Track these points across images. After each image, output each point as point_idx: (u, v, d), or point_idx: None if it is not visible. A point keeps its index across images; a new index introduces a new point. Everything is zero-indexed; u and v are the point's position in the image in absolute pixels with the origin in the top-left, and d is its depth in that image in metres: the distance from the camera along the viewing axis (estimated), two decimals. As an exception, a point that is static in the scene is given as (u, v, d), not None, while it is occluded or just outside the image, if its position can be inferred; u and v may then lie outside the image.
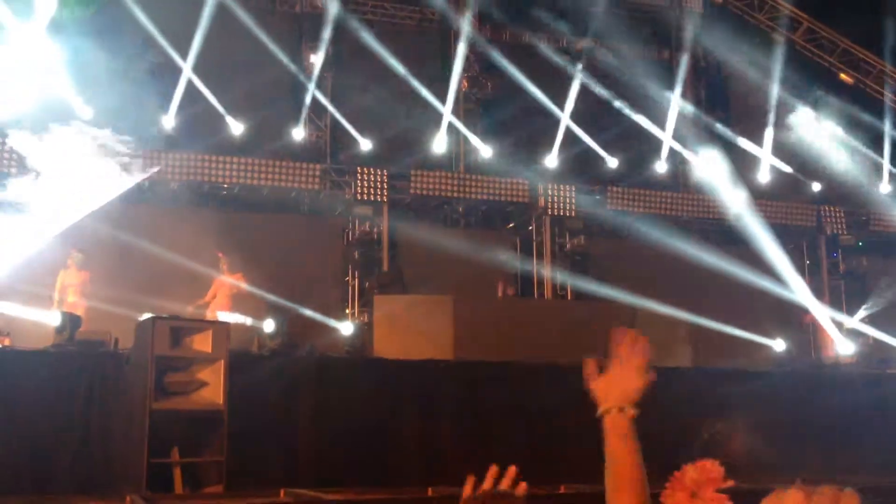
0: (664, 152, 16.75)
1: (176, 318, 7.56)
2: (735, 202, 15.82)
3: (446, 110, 15.40)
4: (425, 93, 15.15)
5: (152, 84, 13.64)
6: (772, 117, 17.19)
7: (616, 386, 2.03)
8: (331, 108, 14.89)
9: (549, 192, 15.45)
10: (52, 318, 9.92)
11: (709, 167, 16.58)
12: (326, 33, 15.22)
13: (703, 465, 2.23)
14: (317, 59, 15.22)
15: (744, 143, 17.34)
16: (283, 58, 14.66)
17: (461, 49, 16.05)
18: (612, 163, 16.24)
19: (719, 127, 17.35)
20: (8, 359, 7.90)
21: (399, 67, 14.83)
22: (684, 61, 17.46)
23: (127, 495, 6.15)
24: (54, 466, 7.48)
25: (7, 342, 9.52)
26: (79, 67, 12.74)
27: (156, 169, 13.23)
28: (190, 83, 13.97)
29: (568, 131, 16.10)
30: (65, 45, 12.68)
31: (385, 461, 8.04)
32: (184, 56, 13.79)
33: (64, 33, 12.66)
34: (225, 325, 7.49)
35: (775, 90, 17.09)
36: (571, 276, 14.86)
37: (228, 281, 12.10)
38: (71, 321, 9.30)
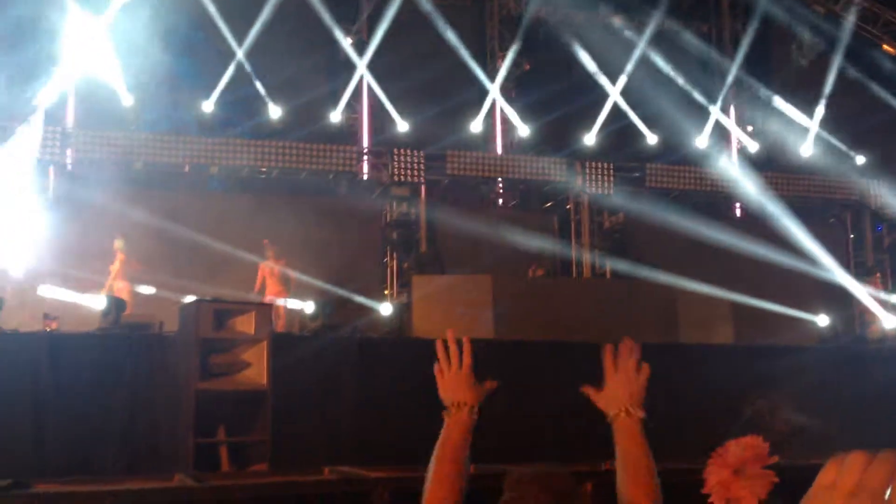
0: (707, 128, 16.50)
1: (219, 300, 7.65)
2: (756, 188, 15.59)
3: (494, 87, 15.30)
4: (477, 70, 15.07)
5: (193, 67, 13.73)
6: (826, 89, 16.85)
7: (618, 392, 2.09)
8: (376, 88, 14.84)
9: (588, 171, 15.33)
10: (97, 302, 10.10)
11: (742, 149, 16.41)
12: (364, 13, 15.25)
13: (746, 441, 2.23)
14: (355, 41, 15.23)
15: (790, 114, 17.04)
16: (322, 40, 14.69)
17: (497, 27, 15.98)
18: (652, 139, 16.05)
19: (765, 98, 17.10)
20: (56, 342, 8.06)
21: (451, 41, 14.72)
22: (731, 33, 17.24)
23: (174, 474, 6.26)
24: (103, 447, 7.65)
25: (55, 325, 9.72)
26: (126, 49, 12.84)
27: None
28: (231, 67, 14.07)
29: (605, 108, 15.97)
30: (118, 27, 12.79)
31: (426, 440, 8.09)
32: (229, 40, 13.84)
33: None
34: (267, 306, 7.58)
35: (829, 61, 16.75)
36: (610, 255, 14.78)
37: (273, 267, 12.21)
38: (116, 305, 9.47)
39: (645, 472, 2.02)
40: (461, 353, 2.22)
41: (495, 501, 2.08)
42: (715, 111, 16.44)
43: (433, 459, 2.15)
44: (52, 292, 11.65)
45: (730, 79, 16.84)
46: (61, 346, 7.97)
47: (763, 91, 17.02)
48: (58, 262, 12.01)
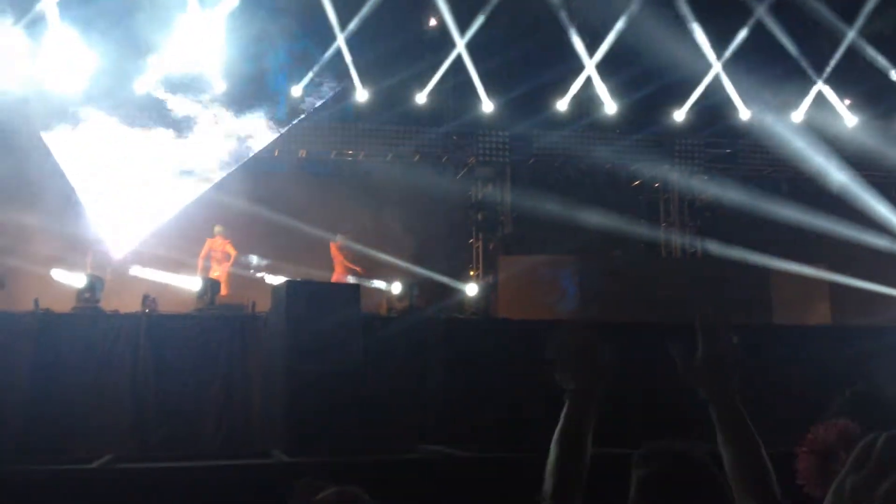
0: (808, 100, 15.87)
1: (309, 282, 7.79)
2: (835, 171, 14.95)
3: (590, 64, 15.05)
4: (577, 45, 14.82)
5: (286, 52, 13.91)
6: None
7: (714, 367, 2.06)
8: (469, 66, 14.76)
9: (677, 148, 14.98)
10: (193, 284, 10.39)
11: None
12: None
13: (837, 425, 2.16)
14: (438, 22, 15.20)
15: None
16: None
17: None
18: (745, 114, 15.48)
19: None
20: (155, 323, 8.34)
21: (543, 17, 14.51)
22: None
23: (270, 452, 6.43)
24: (200, 425, 7.89)
25: (154, 306, 10.03)
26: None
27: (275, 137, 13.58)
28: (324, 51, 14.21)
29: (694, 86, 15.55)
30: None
31: (514, 420, 8.10)
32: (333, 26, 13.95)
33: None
34: (356, 287, 7.68)
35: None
36: (700, 235, 14.45)
37: (346, 249, 12.38)
38: (211, 286, 9.73)
39: (756, 459, 1.99)
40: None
41: (618, 483, 2.08)
42: (819, 84, 15.79)
43: (556, 442, 2.15)
44: (149, 274, 12.04)
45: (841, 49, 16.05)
46: (159, 327, 8.24)
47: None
48: (155, 244, 12.40)
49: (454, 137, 14.98)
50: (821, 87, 15.65)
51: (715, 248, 13.64)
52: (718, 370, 2.07)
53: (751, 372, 2.02)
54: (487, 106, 14.62)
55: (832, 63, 15.65)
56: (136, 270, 12.05)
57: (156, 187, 12.66)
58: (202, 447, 7.61)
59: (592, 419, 2.15)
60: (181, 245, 12.27)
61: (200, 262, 11.91)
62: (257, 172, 13.52)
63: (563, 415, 2.15)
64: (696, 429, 2.24)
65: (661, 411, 7.36)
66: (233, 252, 12.12)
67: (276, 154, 14.13)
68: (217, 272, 11.79)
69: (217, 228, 12.14)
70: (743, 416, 2.02)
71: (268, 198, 12.87)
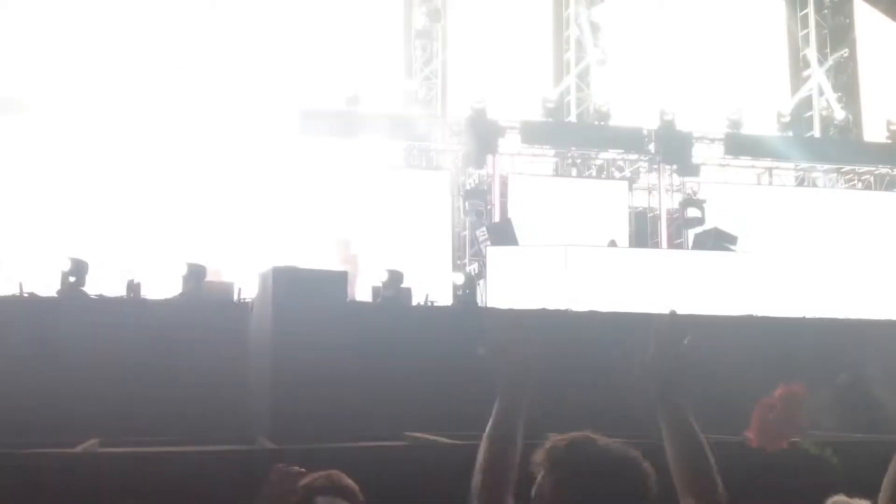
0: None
1: (295, 268, 7.77)
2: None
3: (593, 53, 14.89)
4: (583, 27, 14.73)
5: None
6: None
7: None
8: (452, 55, 14.74)
9: (665, 137, 14.98)
10: (178, 269, 10.32)
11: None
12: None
13: (788, 387, 2.24)
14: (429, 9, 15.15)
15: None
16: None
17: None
18: (735, 109, 15.45)
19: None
20: (139, 307, 8.31)
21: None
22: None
23: (256, 439, 6.42)
24: (185, 411, 7.87)
25: (138, 291, 9.99)
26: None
27: None
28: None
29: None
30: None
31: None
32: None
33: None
34: (343, 274, 7.67)
35: None
36: (688, 225, 14.48)
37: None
38: (196, 271, 9.69)
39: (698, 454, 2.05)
40: None
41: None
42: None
43: (486, 438, 2.17)
44: (133, 257, 11.98)
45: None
46: (144, 311, 8.21)
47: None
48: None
49: (445, 124, 14.96)
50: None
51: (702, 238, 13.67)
52: (666, 370, 2.09)
53: (710, 367, 2.05)
54: (477, 93, 14.55)
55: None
56: (125, 254, 11.99)
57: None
58: (187, 433, 7.59)
59: (522, 415, 2.18)
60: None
61: None
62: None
63: (494, 410, 2.18)
64: (642, 423, 2.27)
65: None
66: None
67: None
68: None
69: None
70: (686, 415, 2.04)
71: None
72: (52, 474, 4.99)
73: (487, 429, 2.14)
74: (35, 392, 7.39)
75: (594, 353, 8.28)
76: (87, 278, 9.17)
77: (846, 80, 16.73)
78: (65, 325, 7.87)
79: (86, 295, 8.75)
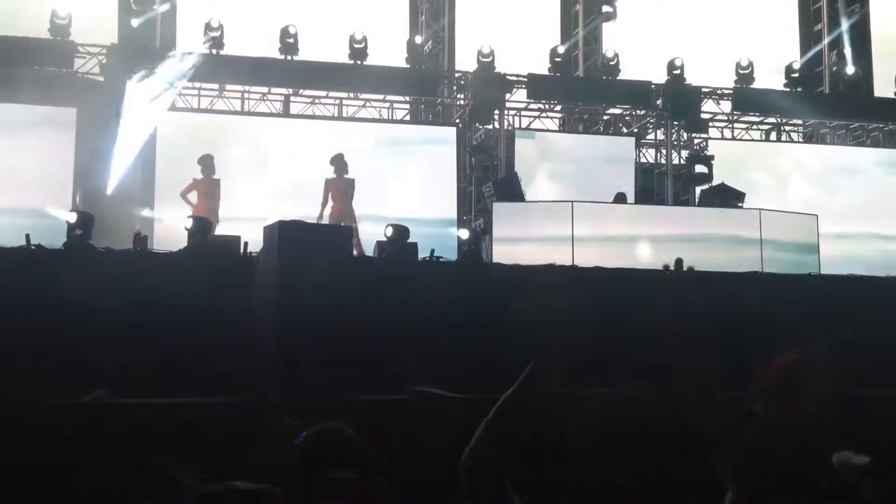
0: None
1: (301, 222, 7.78)
2: None
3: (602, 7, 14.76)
4: None
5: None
6: None
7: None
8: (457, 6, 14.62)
9: (673, 93, 14.82)
10: (185, 222, 10.35)
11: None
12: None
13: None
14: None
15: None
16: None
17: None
18: (744, 61, 15.23)
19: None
20: (146, 260, 8.34)
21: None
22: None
23: (262, 391, 6.48)
24: (192, 364, 7.93)
25: (144, 244, 10.03)
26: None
27: None
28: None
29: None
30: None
31: (502, 363, 8.16)
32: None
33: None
34: (347, 228, 7.67)
35: None
36: (695, 181, 14.41)
37: (337, 185, 12.48)
38: (203, 225, 9.70)
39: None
40: None
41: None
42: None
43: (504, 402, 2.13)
44: (141, 211, 12.01)
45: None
46: (150, 265, 8.24)
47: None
48: (146, 182, 12.35)
49: (450, 79, 14.85)
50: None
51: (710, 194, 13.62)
52: (684, 323, 2.09)
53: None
54: (486, 47, 14.40)
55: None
56: (133, 208, 12.02)
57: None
58: (193, 384, 7.65)
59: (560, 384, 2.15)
60: (175, 183, 12.26)
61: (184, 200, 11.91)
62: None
63: (523, 375, 2.14)
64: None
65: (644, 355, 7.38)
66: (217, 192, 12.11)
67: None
68: (201, 206, 11.79)
69: (202, 160, 12.12)
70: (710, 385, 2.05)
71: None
72: (60, 424, 5.05)
73: (508, 392, 2.10)
74: (41, 344, 7.44)
75: (601, 308, 8.29)
76: (93, 231, 9.20)
77: (857, 36, 16.51)
78: (71, 278, 7.90)
79: (92, 248, 8.77)
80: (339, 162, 12.51)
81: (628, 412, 1.96)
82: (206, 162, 12.17)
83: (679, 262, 2.17)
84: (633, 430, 1.93)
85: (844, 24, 15.98)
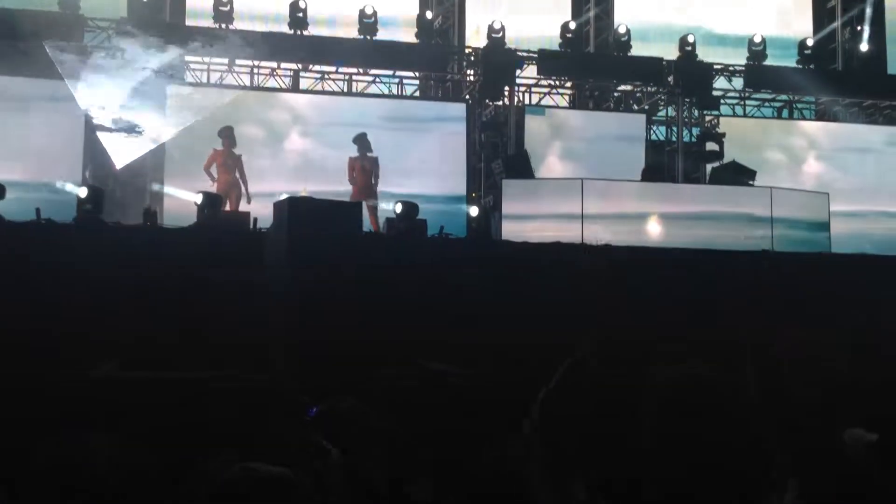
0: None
1: (311, 198, 7.79)
2: None
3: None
4: None
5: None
6: None
7: None
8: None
9: (685, 69, 14.69)
10: (195, 197, 10.37)
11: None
12: None
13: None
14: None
15: None
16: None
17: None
18: (758, 37, 15.10)
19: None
20: (155, 236, 8.37)
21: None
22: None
23: (272, 366, 6.51)
24: (203, 339, 7.97)
25: (155, 220, 10.06)
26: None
27: None
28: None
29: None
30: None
31: (509, 340, 8.17)
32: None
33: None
34: (357, 205, 7.68)
35: None
36: (706, 159, 14.32)
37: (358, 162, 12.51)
38: (212, 200, 9.72)
39: None
40: None
41: None
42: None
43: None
44: (151, 186, 12.03)
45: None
46: (161, 240, 8.27)
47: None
48: (157, 157, 12.35)
49: (460, 56, 14.77)
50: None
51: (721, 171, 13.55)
52: None
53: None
54: (496, 23, 14.30)
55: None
56: (144, 183, 12.04)
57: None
58: (202, 360, 7.70)
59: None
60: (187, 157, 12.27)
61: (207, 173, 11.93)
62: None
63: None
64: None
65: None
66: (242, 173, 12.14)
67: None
68: (226, 183, 11.82)
69: (223, 131, 12.13)
70: None
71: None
72: (71, 397, 5.09)
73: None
74: (52, 318, 7.49)
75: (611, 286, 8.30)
76: (104, 206, 9.23)
77: (872, 13, 16.31)
78: (82, 252, 7.93)
79: (103, 222, 8.81)
80: (362, 140, 12.53)
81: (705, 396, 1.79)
82: (227, 133, 12.19)
83: None
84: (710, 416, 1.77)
85: (868, 3, 15.79)
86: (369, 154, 12.57)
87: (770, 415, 1.90)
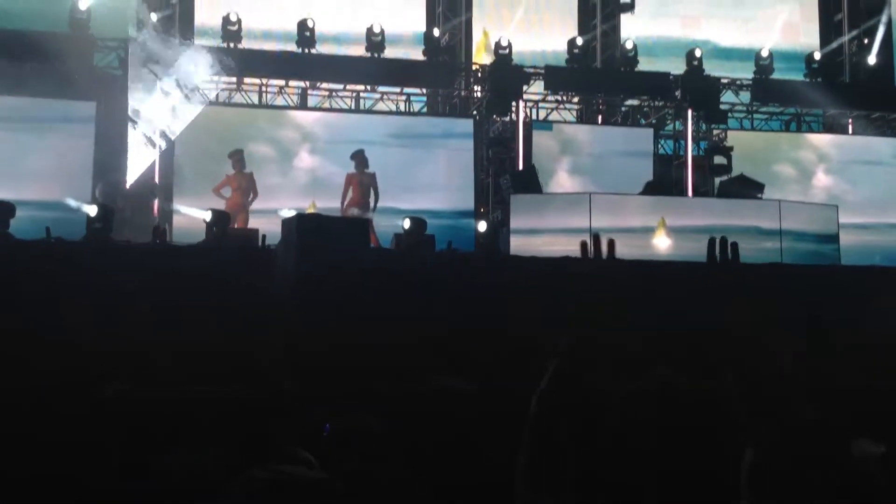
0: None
1: (319, 215, 7.82)
2: None
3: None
4: None
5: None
6: None
7: None
8: None
9: (692, 83, 14.70)
10: (203, 215, 10.42)
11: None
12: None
13: None
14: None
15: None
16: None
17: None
18: (765, 51, 15.13)
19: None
20: (165, 254, 8.40)
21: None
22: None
23: (280, 382, 6.50)
24: (210, 356, 7.98)
25: (164, 237, 10.10)
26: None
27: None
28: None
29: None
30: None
31: (517, 356, 8.14)
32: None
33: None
34: (364, 221, 7.69)
35: None
36: (714, 173, 14.30)
37: (360, 177, 12.67)
38: (221, 218, 9.76)
39: None
40: None
41: None
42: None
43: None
44: (161, 204, 12.09)
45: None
46: (169, 258, 8.29)
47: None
48: (166, 175, 12.42)
49: (467, 71, 14.82)
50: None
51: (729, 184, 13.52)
52: None
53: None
54: (503, 39, 14.36)
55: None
56: (153, 202, 12.13)
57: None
58: (211, 376, 7.70)
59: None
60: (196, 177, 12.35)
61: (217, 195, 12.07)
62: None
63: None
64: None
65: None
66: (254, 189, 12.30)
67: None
68: (236, 206, 11.97)
69: (233, 154, 12.28)
70: None
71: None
72: (77, 416, 5.09)
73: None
74: (60, 335, 7.51)
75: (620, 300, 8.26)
76: (113, 224, 9.27)
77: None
78: (91, 271, 7.96)
79: (112, 241, 8.84)
80: (359, 158, 12.72)
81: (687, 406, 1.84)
82: (238, 157, 12.40)
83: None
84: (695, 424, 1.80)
85: (884, 18, 15.79)
86: (366, 171, 12.78)
87: (755, 424, 1.90)
